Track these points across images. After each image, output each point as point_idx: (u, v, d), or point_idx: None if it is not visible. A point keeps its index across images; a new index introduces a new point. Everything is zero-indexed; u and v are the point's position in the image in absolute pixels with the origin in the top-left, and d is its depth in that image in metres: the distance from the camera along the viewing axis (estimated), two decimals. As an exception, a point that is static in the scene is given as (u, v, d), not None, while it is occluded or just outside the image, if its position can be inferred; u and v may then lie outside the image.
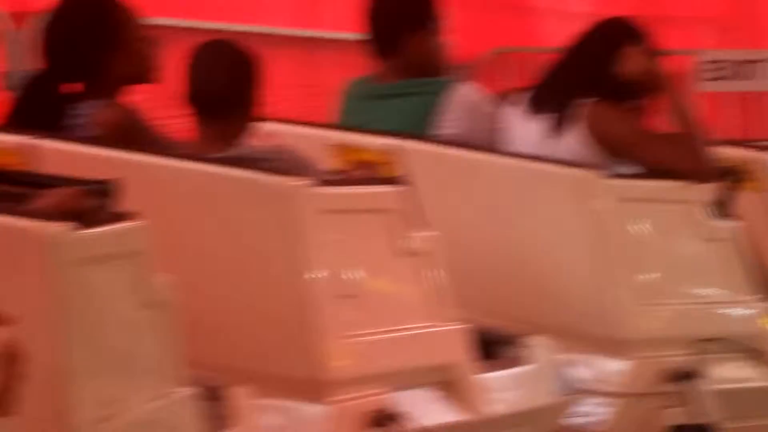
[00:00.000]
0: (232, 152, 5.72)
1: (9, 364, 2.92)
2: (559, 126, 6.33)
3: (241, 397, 4.66)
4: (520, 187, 6.36)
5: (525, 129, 6.38)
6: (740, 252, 6.33)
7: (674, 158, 6.26)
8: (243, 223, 5.29)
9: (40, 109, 5.68)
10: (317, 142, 6.61)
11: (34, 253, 3.69)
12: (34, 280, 3.54)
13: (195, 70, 6.04)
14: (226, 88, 5.98)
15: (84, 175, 4.37)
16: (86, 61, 5.71)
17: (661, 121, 6.54)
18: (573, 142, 6.26)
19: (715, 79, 9.86)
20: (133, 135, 5.51)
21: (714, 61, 10.12)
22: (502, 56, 10.55)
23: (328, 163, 6.24)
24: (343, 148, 6.60)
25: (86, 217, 3.83)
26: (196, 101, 5.92)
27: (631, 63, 6.31)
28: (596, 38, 6.52)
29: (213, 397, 4.45)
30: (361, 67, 8.90)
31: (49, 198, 4.06)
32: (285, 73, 9.44)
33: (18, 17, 8.29)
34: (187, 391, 4.18)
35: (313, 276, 5.13)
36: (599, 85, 6.35)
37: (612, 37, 6.47)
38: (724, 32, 11.26)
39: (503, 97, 6.92)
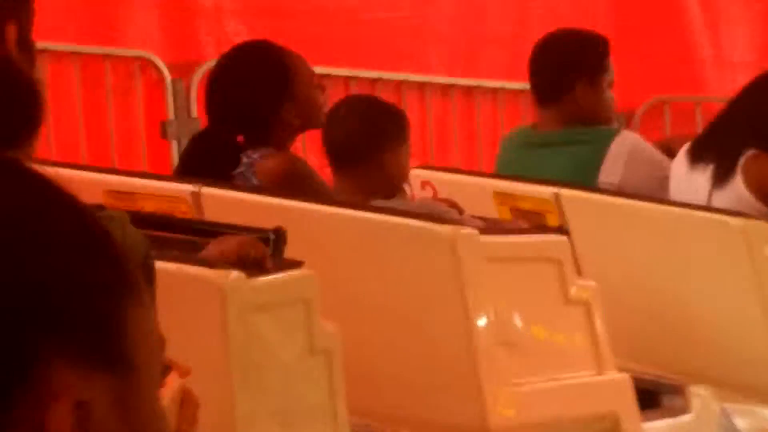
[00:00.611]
0: (380, 203, 5.80)
1: (182, 411, 3.06)
2: (720, 177, 6.23)
3: None
4: (683, 236, 6.32)
5: (688, 179, 6.30)
6: None
7: None
8: (408, 271, 5.37)
9: (210, 158, 5.79)
10: (477, 190, 6.70)
11: (211, 301, 3.94)
12: (209, 327, 3.82)
13: (331, 120, 6.14)
14: (356, 136, 6.02)
15: (250, 223, 4.59)
16: (259, 110, 5.80)
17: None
18: (732, 193, 6.19)
19: None
20: (298, 183, 5.63)
21: None
22: (662, 105, 10.34)
23: (488, 211, 6.24)
24: (504, 197, 6.62)
25: (258, 266, 4.06)
26: (330, 149, 6.05)
27: None
28: (761, 90, 6.38)
29: None
30: (518, 116, 9.00)
31: (220, 246, 4.23)
32: (443, 121, 9.88)
33: (177, 67, 8.37)
34: None
35: (479, 323, 5.20)
36: (761, 137, 6.24)
37: None
38: None
39: (664, 146, 6.94)
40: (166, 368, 3.05)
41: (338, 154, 6.00)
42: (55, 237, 1.16)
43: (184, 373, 3.17)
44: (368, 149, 5.90)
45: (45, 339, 1.12)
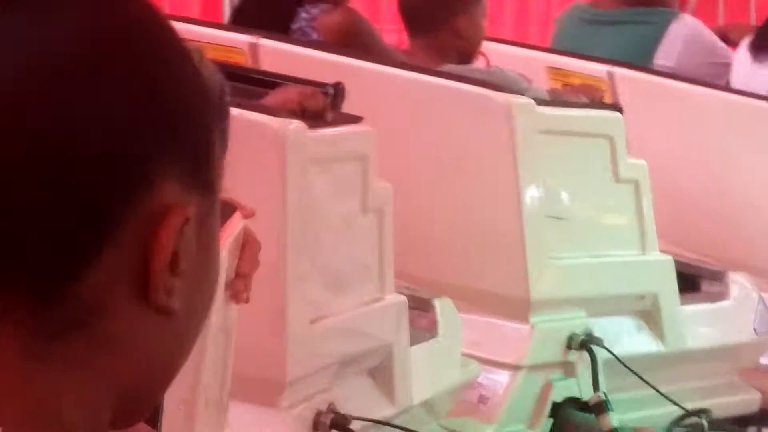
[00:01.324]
0: (452, 68, 5.77)
1: (244, 252, 3.16)
2: None
3: (446, 309, 4.92)
4: (736, 124, 6.29)
5: (752, 72, 6.37)
6: None
7: None
8: (462, 137, 5.37)
9: (268, 10, 5.86)
10: (530, 63, 6.65)
11: (271, 148, 3.95)
12: (267, 176, 3.90)
13: None
14: (431, 3, 6.03)
15: (312, 76, 4.57)
16: None
17: None
18: None
19: None
20: (358, 40, 5.72)
21: None
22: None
23: (541, 86, 6.13)
24: (557, 72, 6.68)
25: (318, 117, 4.10)
26: (405, 15, 6.06)
27: None
28: None
29: (418, 307, 4.72)
30: None
31: (281, 95, 4.26)
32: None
33: None
34: (395, 298, 4.43)
35: (528, 194, 5.22)
36: None
37: None
38: None
39: (722, 34, 6.97)
40: (229, 207, 3.11)
41: (413, 18, 6.00)
42: (164, 64, 1.20)
43: (249, 214, 3.23)
44: (442, 12, 5.89)
45: (158, 157, 1.18)
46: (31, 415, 1.15)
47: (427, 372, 4.68)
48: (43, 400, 1.16)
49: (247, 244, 3.24)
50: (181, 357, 1.25)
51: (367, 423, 4.27)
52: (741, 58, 6.40)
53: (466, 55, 5.92)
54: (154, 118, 1.17)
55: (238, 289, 3.22)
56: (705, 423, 5.37)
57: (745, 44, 6.46)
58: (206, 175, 1.20)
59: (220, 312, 3.18)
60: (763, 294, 5.87)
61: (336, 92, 4.32)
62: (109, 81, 1.15)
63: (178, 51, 1.22)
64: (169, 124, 1.18)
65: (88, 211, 1.13)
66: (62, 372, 1.17)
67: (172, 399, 2.67)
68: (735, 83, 6.35)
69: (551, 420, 5.25)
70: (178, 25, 1.38)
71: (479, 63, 6.15)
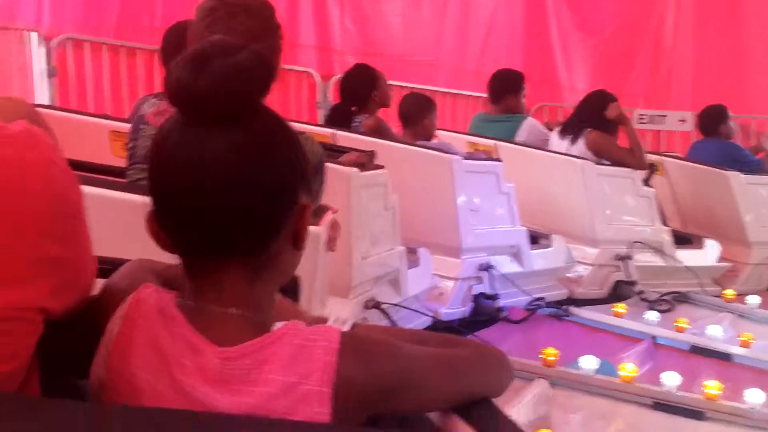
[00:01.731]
0: (422, 143, 5.58)
1: (333, 229, 3.10)
2: (573, 141, 6.18)
3: (424, 253, 4.82)
4: (550, 166, 6.11)
5: (558, 143, 6.36)
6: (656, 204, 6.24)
7: (628, 159, 6.13)
8: (426, 173, 5.14)
9: (340, 119, 5.66)
10: (456, 140, 6.39)
11: (344, 182, 3.85)
12: (344, 193, 3.82)
13: (400, 102, 6.01)
14: (413, 110, 5.85)
15: (359, 147, 4.44)
16: (362, 96, 5.70)
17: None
18: (580, 150, 6.11)
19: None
20: (382, 132, 5.49)
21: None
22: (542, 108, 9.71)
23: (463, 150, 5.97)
24: (472, 144, 6.43)
25: (364, 166, 4.02)
26: (400, 116, 5.91)
27: (612, 110, 6.10)
28: (591, 98, 6.32)
29: (411, 252, 4.60)
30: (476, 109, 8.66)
31: (347, 157, 4.12)
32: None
33: (323, 76, 8.22)
34: (400, 248, 4.37)
35: (460, 201, 5.07)
36: (595, 122, 6.17)
37: (601, 96, 6.27)
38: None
39: (547, 125, 6.91)
40: (325, 208, 3.05)
41: (404, 118, 5.88)
42: (297, 144, 1.28)
43: (334, 210, 3.13)
44: (418, 116, 5.78)
45: (299, 185, 1.27)
46: (247, 302, 1.24)
47: (415, 281, 4.56)
48: (253, 295, 1.25)
49: (334, 224, 3.14)
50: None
51: (389, 305, 4.21)
52: (554, 136, 6.42)
53: (429, 136, 5.80)
54: (298, 169, 1.27)
55: (330, 245, 3.08)
56: (544, 303, 5.33)
57: (556, 130, 6.44)
58: (311, 191, 1.32)
59: (322, 254, 3.03)
60: (568, 245, 5.78)
61: (372, 154, 4.27)
62: (282, 156, 1.25)
63: (298, 138, 1.30)
64: (302, 172, 1.28)
65: (279, 212, 1.25)
66: (261, 282, 1.26)
67: (305, 286, 2.44)
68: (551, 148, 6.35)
69: (472, 304, 5.16)
70: (299, 125, 1.49)
71: (435, 140, 5.95)
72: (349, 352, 1.20)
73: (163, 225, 1.24)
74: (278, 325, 1.22)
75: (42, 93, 7.16)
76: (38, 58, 7.15)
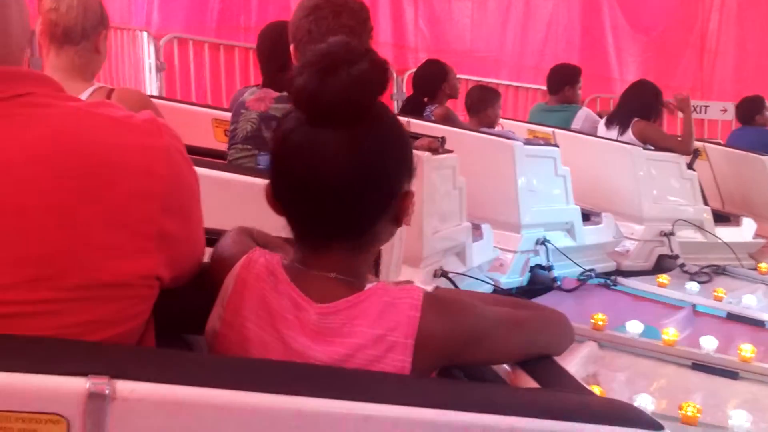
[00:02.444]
0: (485, 130, 5.58)
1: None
2: (622, 131, 6.07)
3: (486, 228, 4.73)
4: (601, 151, 6.05)
5: (603, 132, 6.26)
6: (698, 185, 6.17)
7: (674, 144, 6.07)
8: (491, 158, 5.07)
9: (413, 108, 5.64)
10: (518, 129, 6.32)
11: (419, 163, 3.43)
12: (419, 174, 3.81)
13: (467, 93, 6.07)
14: (478, 101, 5.88)
15: (431, 134, 4.24)
16: (432, 88, 5.70)
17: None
18: (628, 138, 6.01)
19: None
20: (449, 120, 5.47)
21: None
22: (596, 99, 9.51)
23: (524, 135, 5.93)
24: (532, 132, 6.37)
25: (435, 150, 3.92)
26: (466, 106, 5.92)
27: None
28: (635, 88, 6.27)
29: (475, 228, 4.50)
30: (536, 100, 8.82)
31: (421, 141, 4.00)
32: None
33: (398, 71, 8.19)
34: (466, 224, 4.31)
35: (520, 182, 5.05)
36: (640, 111, 6.08)
37: (645, 87, 6.20)
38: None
39: (601, 116, 6.71)
40: None
41: (469, 108, 5.86)
42: (407, 145, 1.31)
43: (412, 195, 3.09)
44: (482, 105, 5.77)
45: (404, 176, 1.29)
46: (347, 271, 1.26)
47: (479, 253, 4.48)
48: (353, 265, 1.27)
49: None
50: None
51: (455, 274, 4.13)
52: (601, 125, 6.32)
53: (492, 124, 5.79)
54: (404, 163, 1.30)
55: (406, 220, 3.07)
56: (594, 274, 5.13)
57: (603, 120, 6.35)
58: (411, 178, 1.31)
59: (401, 229, 3.20)
60: (617, 222, 5.67)
61: (442, 140, 4.08)
62: (392, 153, 1.27)
63: (406, 135, 1.33)
64: (409, 165, 1.30)
65: (386, 200, 1.27)
66: (362, 254, 1.29)
67: (385, 256, 2.25)
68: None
69: (528, 274, 5.12)
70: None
71: (498, 127, 5.97)
72: (431, 309, 1.21)
73: (281, 200, 1.28)
74: (369, 285, 1.25)
75: (152, 85, 7.30)
76: (149, 54, 7.28)
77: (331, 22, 2.52)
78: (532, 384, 1.22)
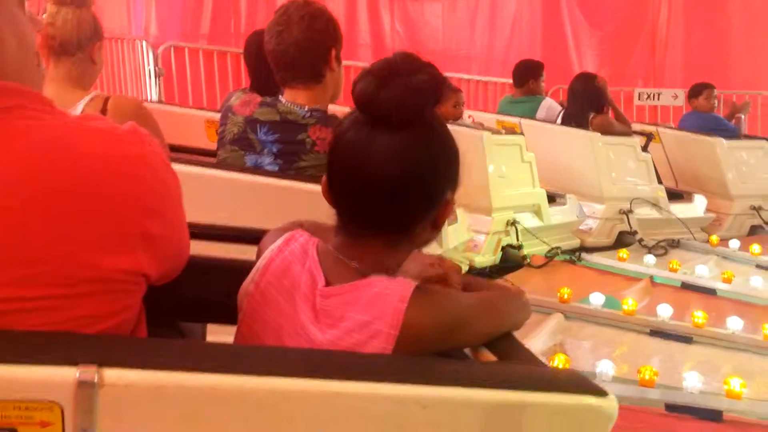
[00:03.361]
0: (463, 120, 5.57)
1: None
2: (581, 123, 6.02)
3: (461, 213, 4.51)
4: (561, 136, 6.07)
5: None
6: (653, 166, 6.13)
7: (623, 130, 6.06)
8: (468, 148, 5.45)
9: None
10: (487, 120, 6.32)
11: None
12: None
13: None
14: None
15: None
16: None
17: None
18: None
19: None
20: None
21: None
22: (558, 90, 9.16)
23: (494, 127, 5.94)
24: (501, 123, 6.36)
25: None
26: None
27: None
28: (583, 84, 6.18)
29: None
30: (503, 93, 9.02)
31: None
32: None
33: None
34: None
35: (491, 169, 5.04)
36: (594, 107, 6.06)
37: (590, 79, 6.18)
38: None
39: (562, 105, 6.66)
40: None
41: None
42: (454, 154, 1.30)
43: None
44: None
45: (447, 184, 1.28)
46: (376, 266, 1.25)
47: (453, 235, 4.26)
48: (384, 261, 1.27)
49: None
50: None
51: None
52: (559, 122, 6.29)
53: (456, 116, 5.52)
54: (449, 171, 1.29)
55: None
56: (560, 251, 5.28)
57: (559, 118, 6.37)
58: (457, 186, 1.30)
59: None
60: (580, 202, 5.67)
61: None
62: (437, 161, 1.26)
63: (454, 145, 1.31)
64: (453, 173, 1.30)
65: (428, 205, 1.26)
66: (396, 253, 1.29)
67: None
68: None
69: (500, 253, 5.11)
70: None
71: (468, 119, 5.96)
72: (418, 303, 1.19)
73: (332, 190, 1.28)
74: (372, 276, 1.24)
75: (151, 90, 7.31)
76: (148, 62, 7.31)
77: (295, 31, 2.52)
78: (491, 358, 1.22)
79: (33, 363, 0.90)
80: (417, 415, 1.00)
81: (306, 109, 2.55)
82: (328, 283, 1.24)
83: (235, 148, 2.71)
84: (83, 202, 1.01)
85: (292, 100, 2.57)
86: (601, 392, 1.05)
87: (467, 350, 1.32)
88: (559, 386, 1.06)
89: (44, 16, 2.55)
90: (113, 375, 0.91)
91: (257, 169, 2.61)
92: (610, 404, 1.05)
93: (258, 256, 1.36)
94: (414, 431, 1.01)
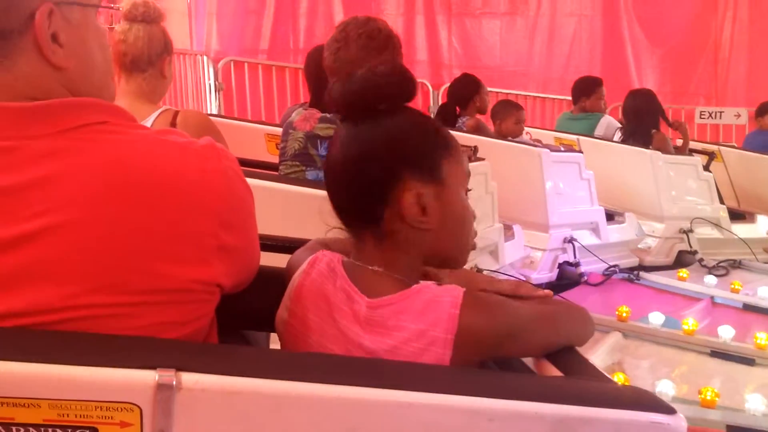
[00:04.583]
0: (511, 139, 5.58)
1: None
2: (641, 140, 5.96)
3: (518, 229, 4.75)
4: (618, 155, 5.96)
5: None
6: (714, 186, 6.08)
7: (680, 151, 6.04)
8: (520, 164, 5.04)
9: (446, 118, 5.53)
10: (545, 137, 6.32)
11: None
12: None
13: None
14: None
15: (465, 143, 4.17)
16: (465, 98, 5.60)
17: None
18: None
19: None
20: (480, 130, 5.43)
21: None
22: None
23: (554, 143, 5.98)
24: (560, 140, 6.35)
25: (469, 159, 3.67)
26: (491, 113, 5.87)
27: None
28: (644, 100, 6.10)
29: (507, 229, 4.52)
30: (561, 109, 8.84)
31: None
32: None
33: (433, 85, 8.38)
34: (499, 225, 4.31)
35: (549, 186, 5.01)
36: (654, 123, 6.03)
37: (652, 97, 6.09)
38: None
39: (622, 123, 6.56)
40: None
41: (492, 119, 5.80)
42: (422, 126, 1.26)
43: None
44: (502, 116, 5.75)
45: (404, 170, 1.23)
46: (382, 262, 1.26)
47: (511, 251, 4.50)
48: (384, 257, 1.26)
49: None
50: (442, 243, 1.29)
51: (489, 271, 3.97)
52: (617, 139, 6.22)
53: (515, 133, 5.64)
54: (410, 157, 1.24)
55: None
56: (618, 270, 5.10)
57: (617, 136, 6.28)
58: (437, 174, 1.23)
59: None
60: (639, 221, 5.65)
61: (475, 149, 4.21)
62: (388, 145, 1.23)
63: (430, 125, 1.28)
64: (410, 160, 1.23)
65: (378, 188, 1.23)
66: (389, 248, 1.27)
67: None
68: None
69: (557, 270, 5.05)
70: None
71: (526, 136, 5.90)
72: (470, 307, 1.20)
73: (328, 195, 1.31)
74: (416, 285, 1.25)
75: (212, 104, 7.43)
76: (208, 76, 7.43)
77: (353, 48, 2.58)
78: (557, 373, 1.22)
79: (115, 366, 0.93)
80: (484, 428, 1.01)
81: None
82: (367, 295, 1.25)
83: (296, 163, 2.76)
84: (163, 215, 1.04)
85: None
86: (669, 409, 1.05)
87: (531, 366, 1.33)
88: (627, 403, 1.06)
89: (116, 28, 2.62)
90: (191, 379, 0.94)
91: (318, 183, 2.63)
92: (678, 422, 1.04)
93: (287, 276, 1.38)
94: (481, 443, 1.00)
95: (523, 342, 1.26)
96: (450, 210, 1.25)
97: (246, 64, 7.74)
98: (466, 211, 1.29)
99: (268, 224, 1.52)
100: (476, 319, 1.19)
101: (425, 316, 1.19)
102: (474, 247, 1.30)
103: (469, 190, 1.34)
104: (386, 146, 1.23)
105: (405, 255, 1.27)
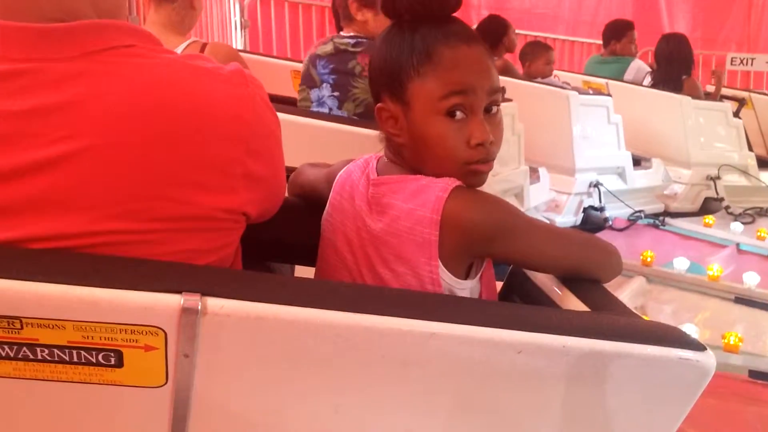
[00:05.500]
0: (540, 80, 5.44)
1: None
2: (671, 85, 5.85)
3: (543, 172, 4.73)
4: (648, 98, 5.81)
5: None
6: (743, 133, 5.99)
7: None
8: (546, 106, 4.98)
9: None
10: (573, 80, 6.21)
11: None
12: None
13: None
14: (532, 50, 5.77)
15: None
16: (492, 40, 5.26)
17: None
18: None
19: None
20: (509, 72, 5.29)
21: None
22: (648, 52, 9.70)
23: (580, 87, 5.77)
24: (587, 83, 6.21)
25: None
26: (521, 56, 5.76)
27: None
28: (677, 46, 5.93)
29: (532, 170, 4.48)
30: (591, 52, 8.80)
31: None
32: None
33: None
34: (525, 168, 4.31)
35: (575, 129, 4.98)
36: (686, 69, 5.85)
37: (684, 42, 5.93)
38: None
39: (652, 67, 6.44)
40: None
41: (521, 60, 5.70)
42: (398, 48, 1.26)
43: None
44: (531, 57, 5.67)
45: (381, 88, 1.28)
46: (413, 164, 1.26)
47: (536, 194, 4.50)
48: (407, 158, 1.28)
49: None
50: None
51: None
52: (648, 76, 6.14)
53: (545, 75, 5.59)
54: (382, 77, 1.29)
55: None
56: (643, 215, 5.16)
57: (648, 80, 6.15)
58: (404, 95, 1.24)
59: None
60: (665, 166, 5.61)
61: (502, 90, 4.17)
62: (377, 63, 1.30)
63: (405, 44, 1.25)
64: (384, 79, 1.28)
65: (376, 99, 1.30)
66: (391, 150, 1.32)
67: None
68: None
69: (582, 214, 5.09)
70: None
71: (555, 78, 5.79)
72: (460, 194, 1.21)
73: None
74: (419, 175, 1.27)
75: (237, 41, 7.42)
76: (234, 13, 7.37)
77: None
78: (582, 308, 1.19)
79: (140, 289, 0.92)
80: (511, 360, 1.00)
81: (352, 35, 2.68)
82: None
83: (304, 87, 2.80)
84: (190, 142, 1.02)
85: (347, 33, 2.71)
86: (699, 346, 1.03)
87: (558, 301, 1.30)
88: (655, 338, 1.04)
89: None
90: (216, 304, 0.93)
91: (342, 118, 2.67)
92: (707, 359, 1.03)
93: (308, 190, 1.49)
94: (507, 375, 1.01)
95: (523, 245, 1.22)
96: (415, 128, 1.25)
97: (272, 2, 7.70)
98: (432, 129, 1.23)
99: (293, 158, 1.49)
100: (465, 205, 1.19)
101: (416, 198, 1.21)
102: (476, 170, 1.24)
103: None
104: (372, 66, 1.31)
105: (404, 160, 1.31)
